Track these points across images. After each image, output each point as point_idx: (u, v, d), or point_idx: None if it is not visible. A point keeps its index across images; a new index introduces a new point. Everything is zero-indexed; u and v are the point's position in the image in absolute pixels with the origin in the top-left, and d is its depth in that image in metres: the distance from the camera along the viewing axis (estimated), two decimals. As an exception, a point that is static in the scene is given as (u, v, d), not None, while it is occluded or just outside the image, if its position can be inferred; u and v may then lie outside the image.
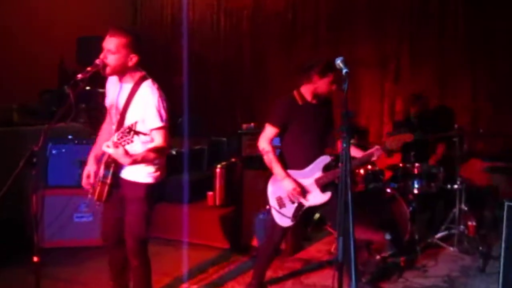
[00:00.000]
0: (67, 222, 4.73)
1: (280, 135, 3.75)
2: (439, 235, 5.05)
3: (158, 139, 3.07)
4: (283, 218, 3.71)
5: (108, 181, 3.10)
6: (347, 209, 2.61)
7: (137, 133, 2.87)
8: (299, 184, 3.66)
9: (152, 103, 3.05)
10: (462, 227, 4.95)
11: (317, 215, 4.90)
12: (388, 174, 5.45)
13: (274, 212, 3.73)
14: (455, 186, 4.94)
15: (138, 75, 3.13)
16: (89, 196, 3.21)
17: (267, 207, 3.78)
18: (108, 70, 3.02)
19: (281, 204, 3.72)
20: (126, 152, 2.87)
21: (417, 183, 4.99)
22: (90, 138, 4.97)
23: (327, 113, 3.84)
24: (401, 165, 5.17)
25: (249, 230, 4.88)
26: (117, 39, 2.99)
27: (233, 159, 5.40)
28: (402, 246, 4.62)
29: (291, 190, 3.64)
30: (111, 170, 3.10)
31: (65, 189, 4.77)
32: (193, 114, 6.74)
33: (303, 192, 3.67)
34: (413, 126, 5.48)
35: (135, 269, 3.26)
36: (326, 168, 3.70)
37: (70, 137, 4.96)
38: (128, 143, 2.87)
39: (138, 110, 3.07)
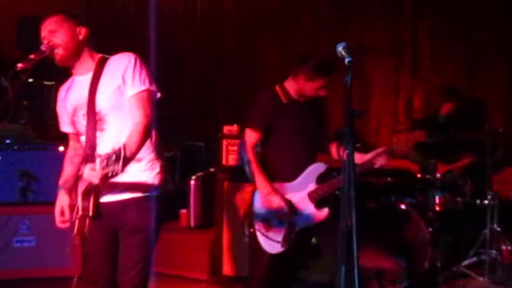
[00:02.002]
0: (5, 248, 4.72)
1: (262, 140, 3.80)
2: (466, 262, 5.08)
3: (137, 111, 2.94)
4: (271, 243, 3.73)
5: (90, 213, 2.89)
6: (350, 229, 2.65)
7: (127, 160, 2.67)
8: (286, 201, 3.68)
9: (129, 65, 2.96)
10: (494, 252, 4.98)
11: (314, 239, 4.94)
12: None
13: (259, 237, 3.76)
14: (486, 202, 4.99)
15: (97, 56, 3.10)
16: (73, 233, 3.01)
17: (251, 230, 3.81)
18: (60, 51, 2.99)
19: (267, 226, 3.74)
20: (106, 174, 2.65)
21: (439, 198, 5.04)
22: (34, 143, 4.98)
23: (318, 112, 3.90)
24: (419, 175, 5.22)
25: (232, 257, 4.89)
26: (53, 18, 3.03)
27: (212, 169, 5.42)
28: (420, 276, 4.66)
29: (276, 208, 3.66)
30: (92, 199, 2.90)
31: (2, 207, 4.76)
32: (162, 113, 6.74)
33: (293, 209, 3.69)
34: (442, 128, 5.54)
35: None
36: (321, 179, 3.74)
37: (8, 141, 4.97)
38: (114, 176, 2.65)
39: (112, 84, 2.97)
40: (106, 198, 3.01)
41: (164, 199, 3.13)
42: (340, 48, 2.80)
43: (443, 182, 5.06)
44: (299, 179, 3.74)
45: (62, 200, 3.14)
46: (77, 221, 2.97)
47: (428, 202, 5.05)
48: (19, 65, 2.87)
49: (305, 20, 7.08)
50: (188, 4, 7.78)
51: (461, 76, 6.36)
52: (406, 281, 4.58)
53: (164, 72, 7.24)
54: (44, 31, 3.03)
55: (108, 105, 2.97)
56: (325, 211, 3.69)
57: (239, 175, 4.87)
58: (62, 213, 3.13)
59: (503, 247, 5.04)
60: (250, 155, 3.74)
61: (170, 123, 6.98)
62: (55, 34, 3.00)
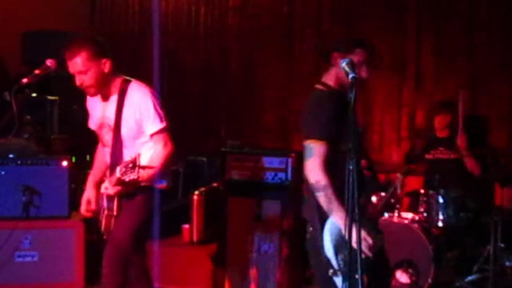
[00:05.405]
0: (6, 262, 4.71)
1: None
2: (470, 278, 5.07)
3: (159, 145, 3.44)
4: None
5: (114, 213, 3.51)
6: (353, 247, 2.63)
7: (142, 167, 3.20)
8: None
9: (146, 104, 3.40)
10: (498, 268, 4.98)
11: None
12: (406, 202, 5.49)
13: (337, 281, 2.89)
14: (489, 218, 4.98)
15: (119, 80, 3.42)
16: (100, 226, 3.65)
17: (330, 271, 2.88)
18: (92, 90, 3.35)
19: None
20: (126, 187, 3.35)
21: (443, 214, 5.04)
22: (37, 157, 4.98)
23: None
24: (422, 191, 5.21)
25: (235, 272, 4.88)
26: (79, 57, 3.22)
27: (214, 184, 5.43)
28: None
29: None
30: (116, 201, 3.48)
31: (4, 221, 4.76)
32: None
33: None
34: (439, 143, 5.58)
35: (104, 278, 3.60)
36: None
37: (11, 156, 4.97)
38: (132, 180, 3.18)
39: (132, 117, 3.41)
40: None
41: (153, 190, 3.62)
42: (343, 64, 2.81)
43: (446, 198, 5.06)
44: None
45: (89, 192, 3.75)
46: (103, 220, 3.57)
47: (431, 218, 5.04)
48: (24, 80, 2.93)
49: (308, 36, 7.11)
50: (191, 20, 7.82)
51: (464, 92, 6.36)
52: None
53: (167, 87, 7.31)
54: (72, 69, 3.28)
55: (128, 134, 3.44)
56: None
57: (242, 190, 4.89)
58: (89, 202, 3.73)
59: (507, 264, 5.02)
60: (325, 177, 2.94)
61: (174, 138, 7.02)
62: (86, 75, 3.28)
